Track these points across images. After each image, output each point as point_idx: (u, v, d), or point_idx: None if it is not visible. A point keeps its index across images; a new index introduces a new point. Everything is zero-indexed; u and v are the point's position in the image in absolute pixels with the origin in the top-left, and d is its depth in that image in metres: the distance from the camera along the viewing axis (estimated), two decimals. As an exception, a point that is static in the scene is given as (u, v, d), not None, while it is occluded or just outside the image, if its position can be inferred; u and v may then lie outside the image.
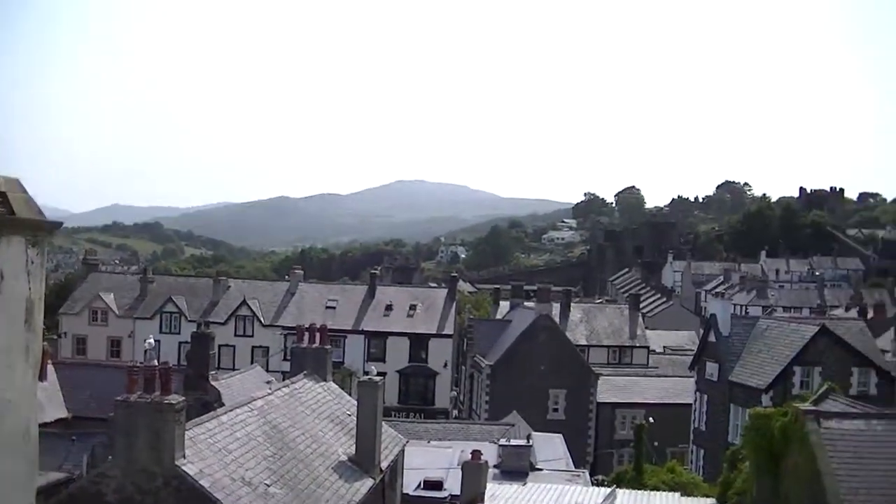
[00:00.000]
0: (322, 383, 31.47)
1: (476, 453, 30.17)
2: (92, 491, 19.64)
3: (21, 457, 9.63)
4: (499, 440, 42.97)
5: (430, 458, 38.05)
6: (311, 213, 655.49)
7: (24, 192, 9.35)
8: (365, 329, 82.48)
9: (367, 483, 26.46)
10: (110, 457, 20.66)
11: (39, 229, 9.54)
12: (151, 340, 43.19)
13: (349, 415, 29.65)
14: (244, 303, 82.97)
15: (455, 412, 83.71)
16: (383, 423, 29.84)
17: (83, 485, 20.37)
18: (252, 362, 64.41)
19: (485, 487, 30.25)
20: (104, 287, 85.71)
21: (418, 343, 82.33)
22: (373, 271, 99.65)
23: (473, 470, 29.78)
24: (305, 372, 31.28)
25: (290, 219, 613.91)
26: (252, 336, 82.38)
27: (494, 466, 36.64)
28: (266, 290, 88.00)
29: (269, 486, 21.80)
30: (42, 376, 38.03)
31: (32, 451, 9.82)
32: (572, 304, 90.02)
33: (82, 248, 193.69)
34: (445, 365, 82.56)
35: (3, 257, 9.07)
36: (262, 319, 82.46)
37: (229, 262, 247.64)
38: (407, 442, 33.86)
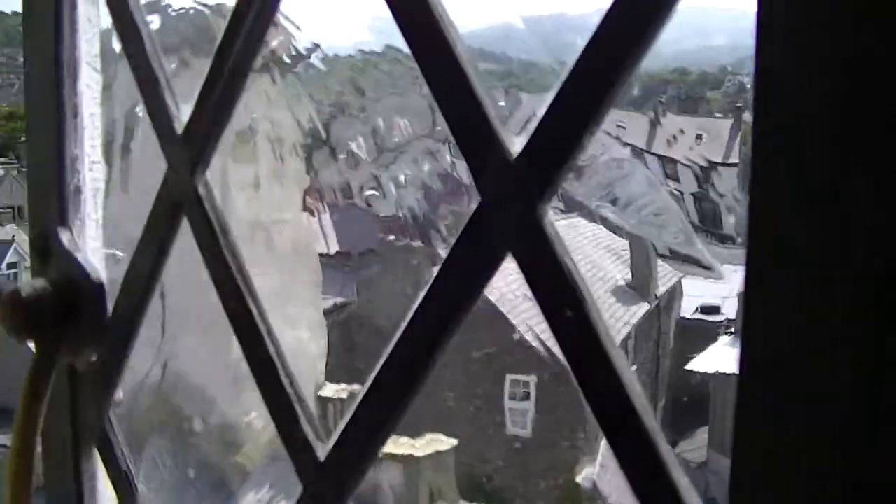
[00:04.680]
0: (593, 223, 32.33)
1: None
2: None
3: (305, 267, 10.80)
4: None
5: (708, 287, 38.45)
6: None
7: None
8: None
9: (643, 307, 27.50)
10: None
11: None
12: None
13: (624, 250, 30.46)
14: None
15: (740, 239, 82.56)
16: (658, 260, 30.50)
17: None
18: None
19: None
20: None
21: (704, 171, 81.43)
22: (660, 100, 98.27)
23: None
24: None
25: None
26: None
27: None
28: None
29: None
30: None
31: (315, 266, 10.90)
32: None
33: None
34: (722, 197, 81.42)
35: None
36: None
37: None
38: (683, 276, 34.38)
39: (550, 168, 1.19)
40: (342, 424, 1.49)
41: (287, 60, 10.22)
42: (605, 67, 1.15)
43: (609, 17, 1.12)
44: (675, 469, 1.11)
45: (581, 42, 1.14)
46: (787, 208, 0.92)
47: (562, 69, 1.16)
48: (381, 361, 1.42)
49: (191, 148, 1.72)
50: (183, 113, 1.76)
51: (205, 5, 7.87)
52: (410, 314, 1.37)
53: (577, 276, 1.20)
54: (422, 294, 1.35)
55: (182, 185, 1.72)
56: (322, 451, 1.53)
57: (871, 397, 0.88)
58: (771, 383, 0.94)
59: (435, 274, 1.33)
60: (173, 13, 7.78)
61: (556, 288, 1.20)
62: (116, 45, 1.95)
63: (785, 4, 0.91)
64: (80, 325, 1.83)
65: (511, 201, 1.23)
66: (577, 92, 1.17)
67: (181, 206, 1.74)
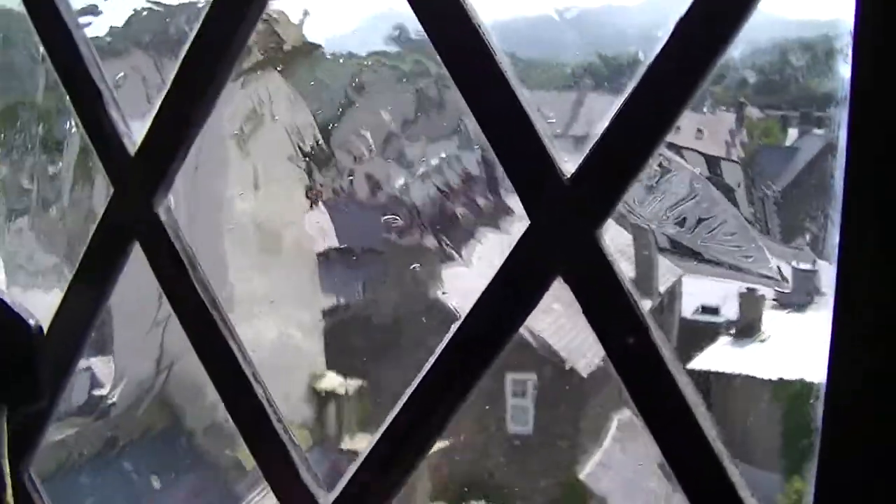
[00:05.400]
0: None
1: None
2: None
3: (304, 267, 10.79)
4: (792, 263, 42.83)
5: (705, 286, 38.64)
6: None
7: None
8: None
9: (646, 303, 27.67)
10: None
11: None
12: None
13: (628, 245, 30.71)
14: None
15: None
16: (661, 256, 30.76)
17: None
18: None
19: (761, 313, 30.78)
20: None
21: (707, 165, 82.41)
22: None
23: (749, 299, 30.33)
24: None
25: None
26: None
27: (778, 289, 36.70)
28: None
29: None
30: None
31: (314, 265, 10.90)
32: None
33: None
34: (739, 185, 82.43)
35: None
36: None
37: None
38: (683, 274, 34.59)
39: (608, 189, 1.10)
40: (353, 468, 1.31)
41: (290, 55, 10.02)
42: (674, 83, 1.05)
43: (682, 27, 1.03)
44: (744, 491, 1.06)
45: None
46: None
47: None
48: (403, 401, 1.27)
49: (150, 168, 1.45)
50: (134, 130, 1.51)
51: (162, 5, 7.24)
52: (436, 354, 1.22)
53: (639, 300, 1.14)
54: (452, 328, 1.22)
55: (135, 211, 1.46)
56: (325, 499, 1.35)
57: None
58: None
59: (475, 301, 1.20)
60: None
61: (616, 313, 1.12)
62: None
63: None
64: (20, 377, 1.42)
65: (564, 224, 1.13)
66: (642, 107, 1.07)
67: (132, 233, 1.47)
